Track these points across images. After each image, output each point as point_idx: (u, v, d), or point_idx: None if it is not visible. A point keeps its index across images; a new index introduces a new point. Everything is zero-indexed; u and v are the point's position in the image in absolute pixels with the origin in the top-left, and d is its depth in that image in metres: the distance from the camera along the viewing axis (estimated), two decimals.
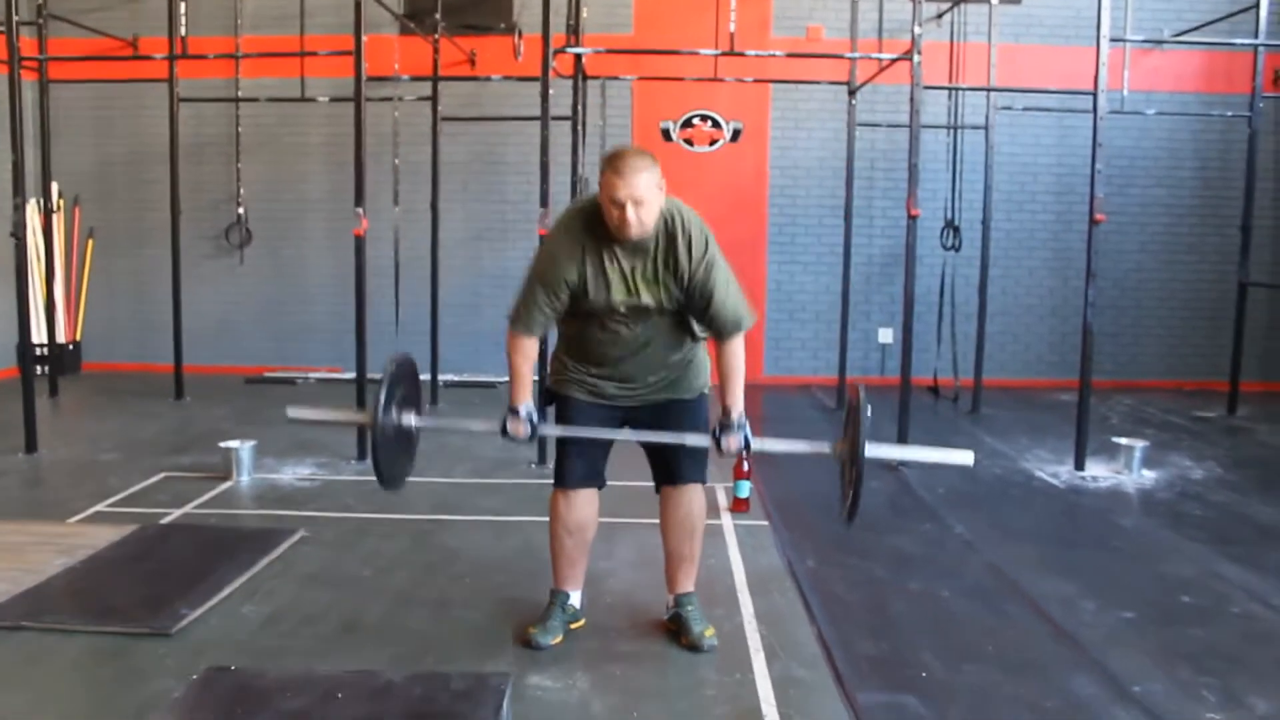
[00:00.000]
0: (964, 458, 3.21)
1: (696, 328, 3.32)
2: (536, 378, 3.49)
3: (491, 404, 7.95)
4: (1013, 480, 5.91)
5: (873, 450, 3.00)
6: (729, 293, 3.18)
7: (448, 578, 4.08)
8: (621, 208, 3.01)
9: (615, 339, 3.26)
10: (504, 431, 3.26)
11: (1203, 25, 8.55)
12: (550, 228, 3.29)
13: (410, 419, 3.32)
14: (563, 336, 3.42)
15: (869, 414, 3.00)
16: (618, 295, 3.16)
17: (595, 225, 3.14)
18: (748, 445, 3.23)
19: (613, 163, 3.04)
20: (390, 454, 3.22)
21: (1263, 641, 3.61)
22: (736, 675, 3.21)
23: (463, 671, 2.06)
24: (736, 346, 3.24)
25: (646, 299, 3.17)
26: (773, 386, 9.23)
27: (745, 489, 5.05)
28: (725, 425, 3.22)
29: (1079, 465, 6.01)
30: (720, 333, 3.23)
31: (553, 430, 3.38)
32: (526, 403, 3.26)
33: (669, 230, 3.14)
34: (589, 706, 2.98)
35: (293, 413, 3.51)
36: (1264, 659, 3.44)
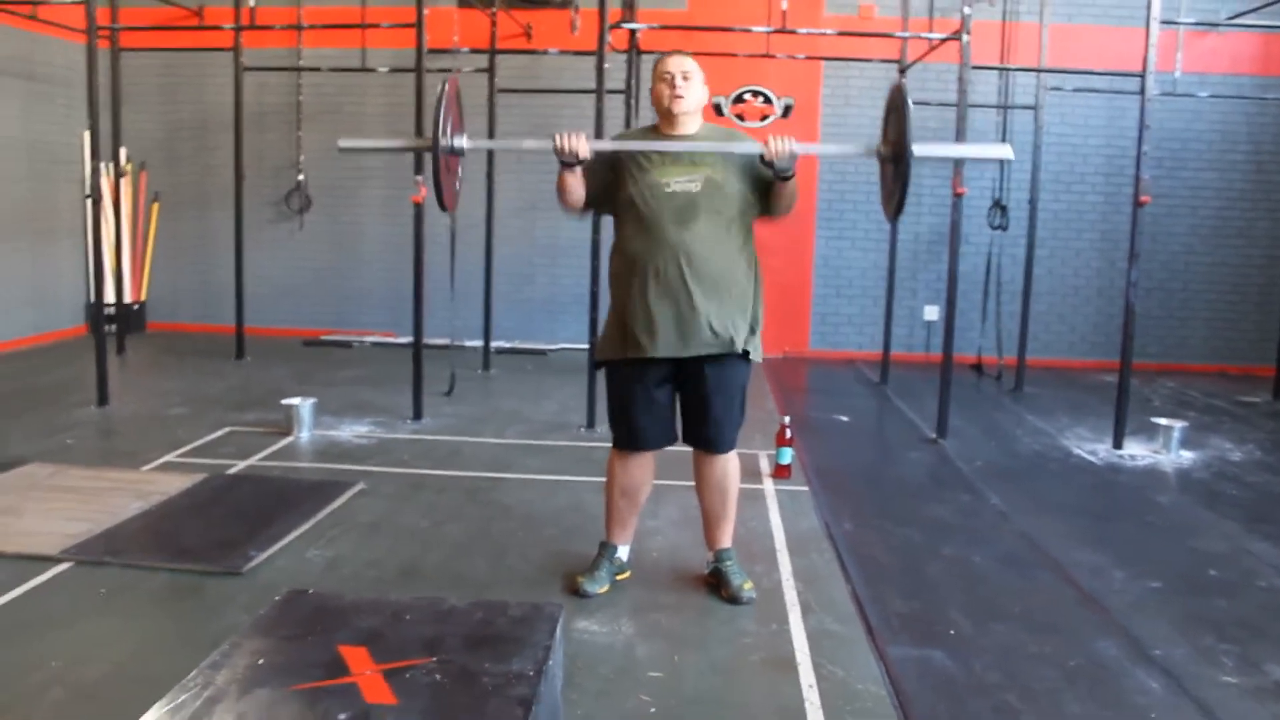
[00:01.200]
0: (1003, 151, 3.32)
1: (749, 251, 3.47)
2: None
3: (543, 370, 8.16)
4: (1051, 456, 6.01)
5: (918, 149, 3.21)
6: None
7: (500, 530, 4.28)
8: (670, 80, 3.36)
9: (663, 243, 3.34)
10: (556, 145, 3.31)
11: (1262, 6, 8.49)
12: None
13: (463, 140, 3.62)
14: (613, 275, 3.52)
15: (910, 109, 3.21)
16: (662, 174, 3.37)
17: (651, 129, 3.52)
18: (792, 150, 3.28)
19: (662, 56, 3.46)
20: (448, 175, 3.53)
21: None
22: (773, 626, 3.38)
23: (519, 601, 2.25)
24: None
25: (691, 177, 3.35)
26: (819, 360, 9.35)
27: (787, 455, 5.19)
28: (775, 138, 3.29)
29: (1117, 444, 6.10)
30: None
31: (606, 144, 3.54)
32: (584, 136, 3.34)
33: (717, 129, 3.52)
34: (633, 650, 3.17)
35: (344, 143, 3.68)
36: None
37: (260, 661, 1.98)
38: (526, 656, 1.96)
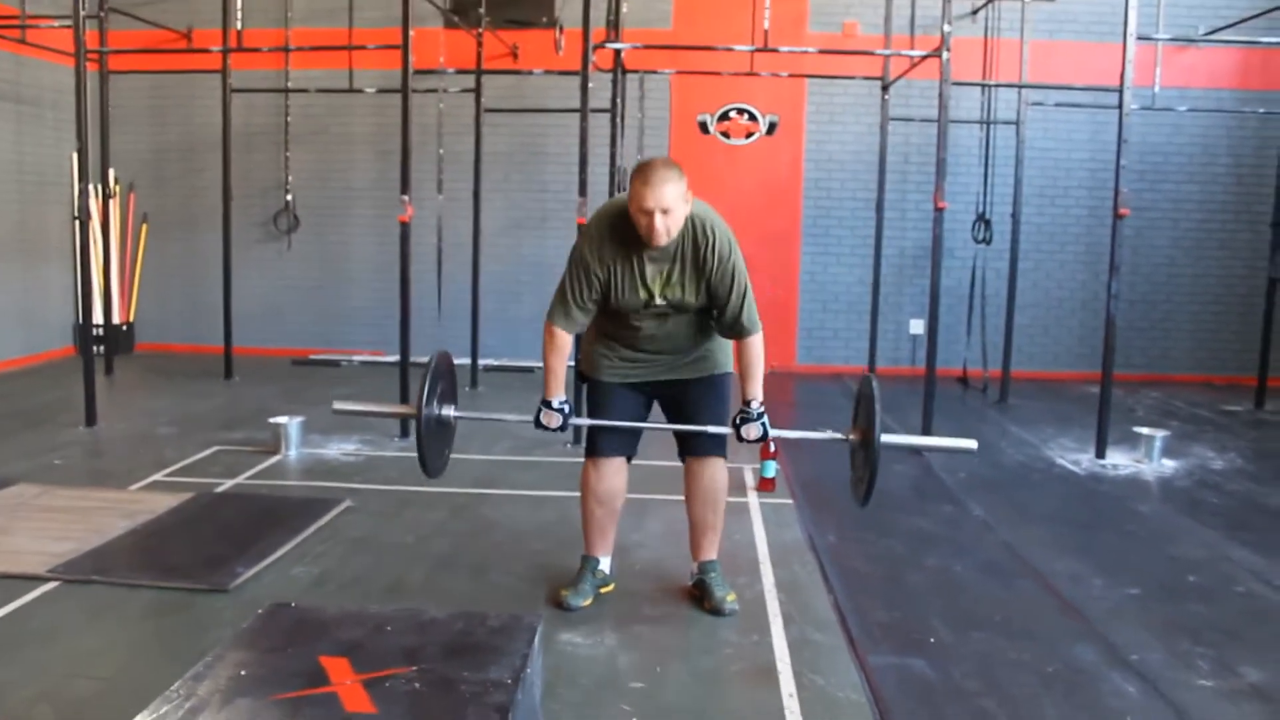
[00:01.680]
0: (967, 444, 3.49)
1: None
2: (572, 362, 3.71)
3: (530, 388, 8.14)
4: (1034, 467, 6.06)
5: (885, 438, 3.26)
6: (743, 299, 3.40)
7: (486, 545, 4.32)
8: (650, 216, 3.22)
9: (642, 332, 3.51)
10: (538, 423, 3.52)
11: (1237, 23, 8.60)
12: (584, 230, 3.52)
13: (450, 411, 3.61)
14: (593, 327, 3.64)
15: (878, 404, 3.27)
16: (644, 295, 3.40)
17: (624, 230, 3.35)
18: (765, 435, 3.48)
19: (641, 174, 3.24)
20: (433, 443, 3.48)
21: (1262, 619, 3.77)
22: (755, 637, 3.42)
23: (498, 612, 2.28)
24: (755, 342, 3.47)
25: (671, 299, 3.40)
26: (806, 375, 9.41)
27: (772, 469, 5.24)
28: (745, 416, 3.45)
29: (1100, 453, 6.16)
30: (731, 332, 3.47)
31: (583, 421, 3.65)
32: (559, 395, 3.52)
33: (695, 236, 3.36)
34: (615, 661, 3.20)
35: (339, 405, 3.75)
36: (1261, 634, 3.60)
37: (242, 673, 2.01)
38: (504, 665, 2.00)
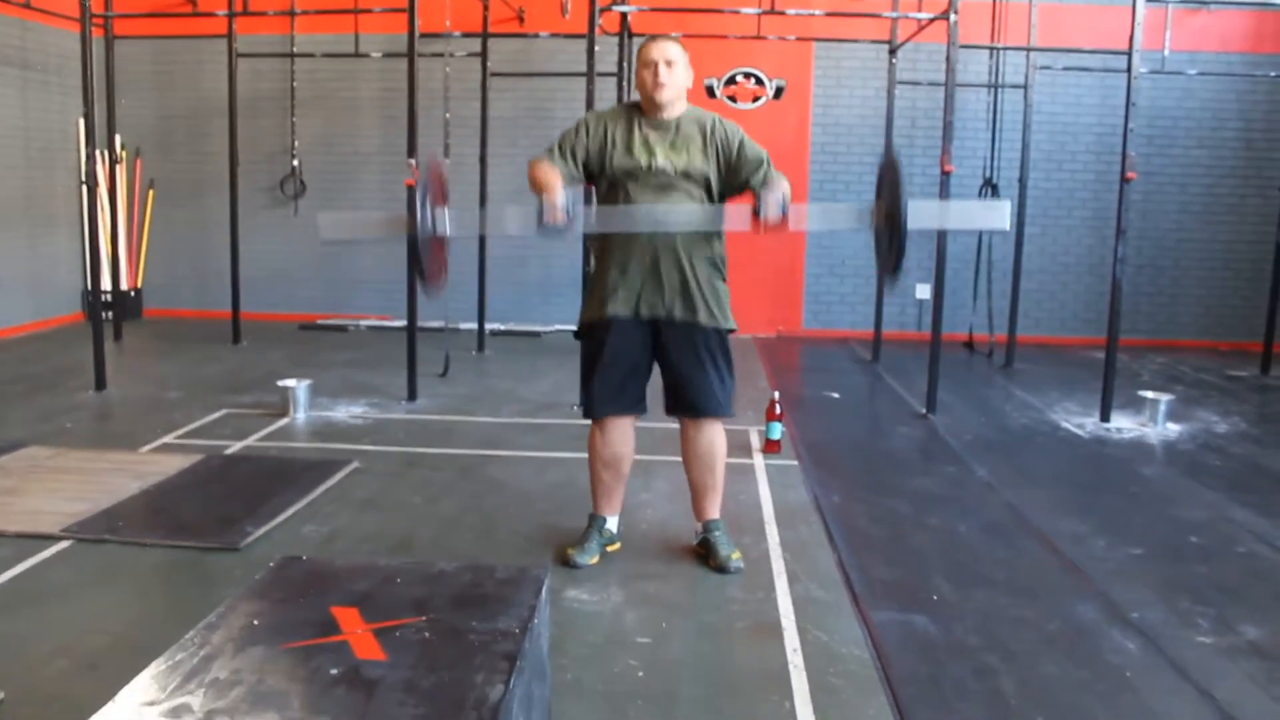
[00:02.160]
0: (997, 218, 3.39)
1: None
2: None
3: (537, 352, 8.22)
4: (1039, 430, 6.08)
5: (912, 210, 3.15)
6: (763, 152, 3.51)
7: (493, 505, 4.36)
8: (654, 66, 3.39)
9: (641, 212, 3.45)
10: (540, 221, 3.22)
11: None
12: None
13: (445, 224, 3.37)
14: (594, 247, 3.68)
15: (904, 176, 3.21)
16: (644, 159, 3.43)
17: (631, 109, 3.54)
18: (784, 211, 3.27)
19: (648, 38, 3.49)
20: (430, 254, 3.33)
21: (1262, 578, 3.80)
22: (759, 594, 3.46)
23: (506, 565, 2.32)
24: (779, 178, 3.44)
25: (676, 163, 3.43)
26: (812, 339, 9.42)
27: (777, 430, 5.26)
28: (763, 196, 3.29)
29: (1104, 417, 6.18)
30: (756, 177, 3.44)
31: (590, 223, 3.50)
32: (560, 188, 3.26)
33: (702, 118, 3.51)
34: (622, 617, 3.25)
35: (326, 232, 3.60)
36: (1261, 593, 3.64)
37: (255, 622, 2.04)
38: (512, 615, 2.03)
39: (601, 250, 3.58)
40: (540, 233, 3.24)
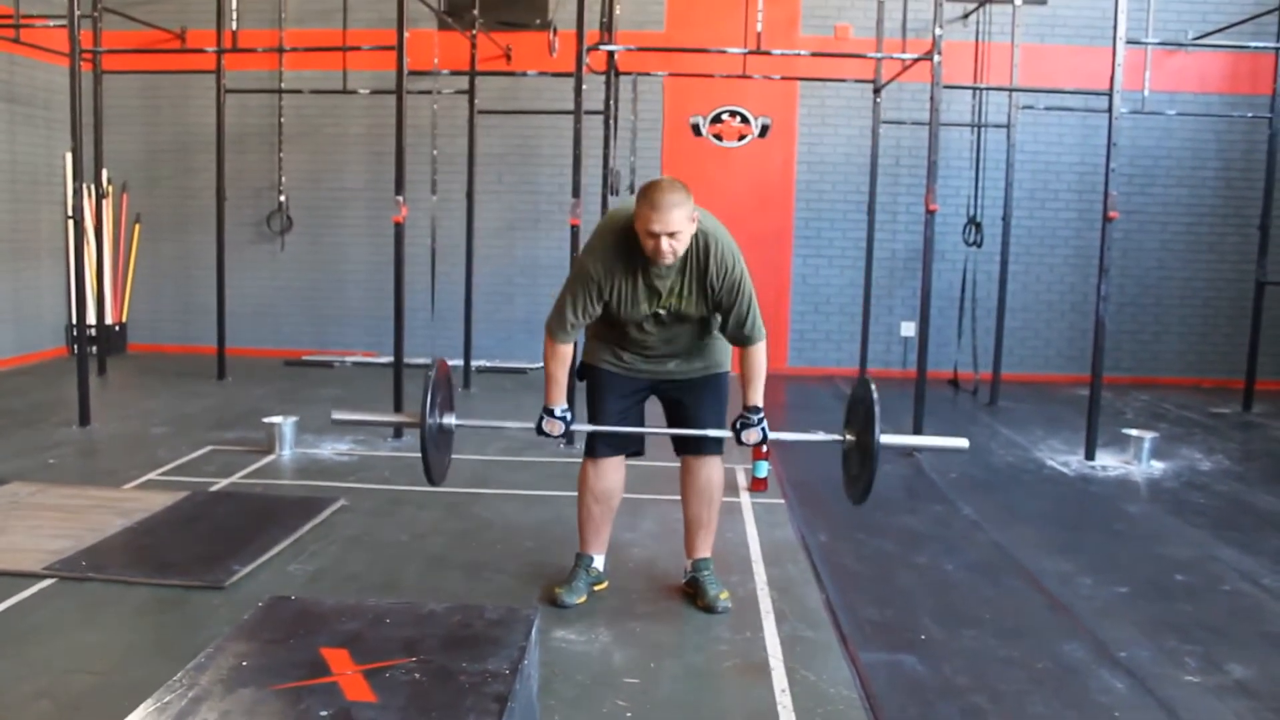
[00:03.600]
0: (959, 443, 3.57)
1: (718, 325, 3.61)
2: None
3: (522, 390, 8.21)
4: (1024, 468, 6.10)
5: (884, 439, 3.32)
6: (749, 309, 3.46)
7: (480, 544, 4.34)
8: (656, 239, 3.24)
9: (644, 339, 3.56)
10: (540, 430, 3.56)
11: (1226, 27, 8.68)
12: (588, 244, 3.53)
13: (451, 420, 3.68)
14: (595, 329, 3.66)
15: (877, 406, 3.32)
16: (648, 309, 3.44)
17: (628, 244, 3.36)
18: (764, 439, 3.55)
19: (649, 195, 3.25)
20: (435, 451, 3.54)
21: (1248, 616, 3.81)
22: (747, 634, 3.45)
23: (495, 605, 2.31)
24: (759, 350, 3.52)
25: (674, 310, 3.44)
26: (796, 377, 9.44)
27: (764, 469, 5.27)
28: (745, 421, 3.51)
29: (1089, 455, 6.20)
30: (737, 340, 3.53)
31: (585, 428, 3.65)
32: (561, 403, 3.55)
33: (700, 251, 3.39)
34: (610, 657, 3.23)
35: (337, 415, 3.82)
36: (1247, 632, 3.65)
37: (244, 663, 2.03)
38: (502, 656, 2.02)
39: (601, 335, 3.66)
40: (539, 436, 3.62)
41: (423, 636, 2.12)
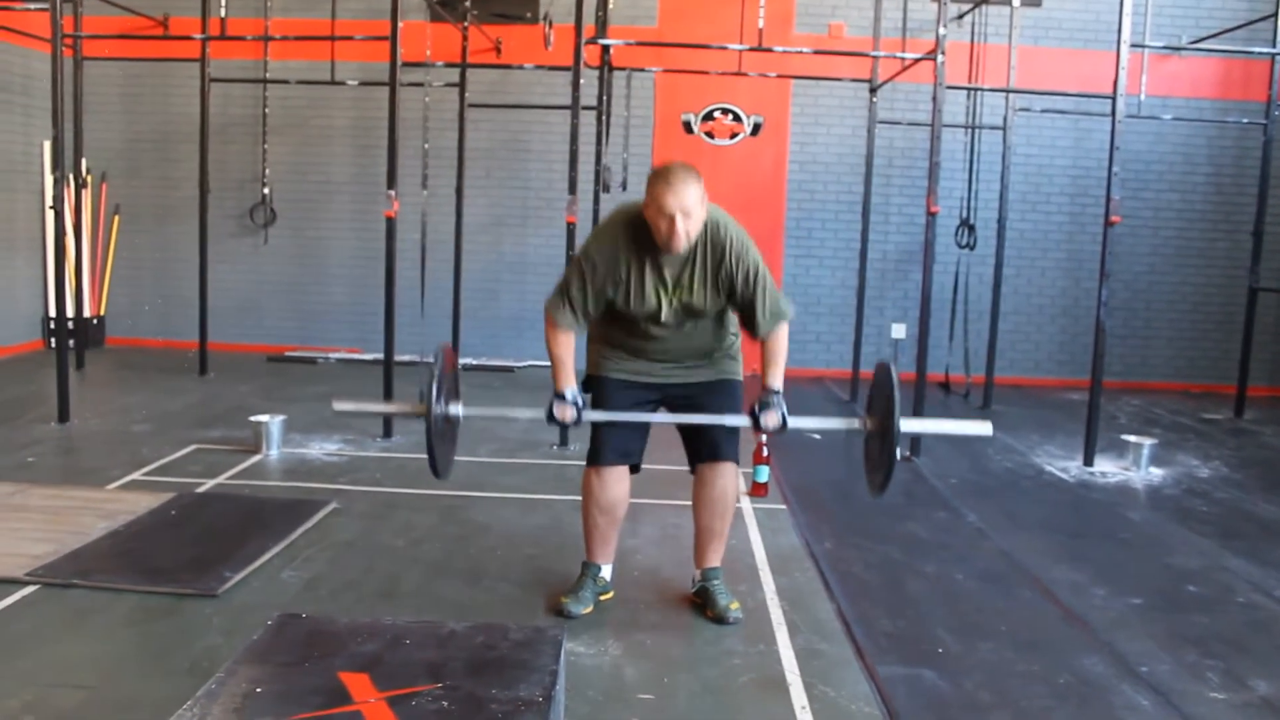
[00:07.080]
0: (982, 429, 3.48)
1: (732, 326, 3.50)
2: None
3: (512, 388, 8.08)
4: (1023, 474, 6.04)
5: (903, 424, 3.17)
6: (769, 291, 3.34)
7: (478, 550, 4.22)
8: (670, 220, 3.13)
9: (652, 340, 3.42)
10: (550, 417, 3.36)
11: (1221, 33, 8.64)
12: (595, 230, 3.41)
13: (458, 409, 3.47)
14: (600, 331, 3.54)
15: (897, 389, 3.18)
16: (655, 302, 3.31)
17: (638, 234, 3.26)
18: (784, 423, 3.36)
19: (663, 176, 3.15)
20: (442, 443, 3.34)
21: (1265, 629, 3.74)
22: (760, 647, 3.35)
23: (520, 624, 2.20)
24: (780, 332, 3.40)
25: (685, 301, 3.32)
26: (787, 378, 9.30)
27: (764, 474, 5.18)
28: (765, 402, 3.36)
29: (1088, 461, 6.15)
30: (766, 325, 3.37)
31: (597, 415, 3.46)
32: (571, 387, 3.37)
33: (713, 239, 3.28)
34: (621, 671, 3.12)
35: (339, 405, 3.62)
36: (1266, 645, 3.58)
37: (258, 690, 1.91)
38: (534, 682, 1.92)
39: (602, 341, 3.54)
40: (550, 424, 3.41)
41: (446, 660, 2.00)
